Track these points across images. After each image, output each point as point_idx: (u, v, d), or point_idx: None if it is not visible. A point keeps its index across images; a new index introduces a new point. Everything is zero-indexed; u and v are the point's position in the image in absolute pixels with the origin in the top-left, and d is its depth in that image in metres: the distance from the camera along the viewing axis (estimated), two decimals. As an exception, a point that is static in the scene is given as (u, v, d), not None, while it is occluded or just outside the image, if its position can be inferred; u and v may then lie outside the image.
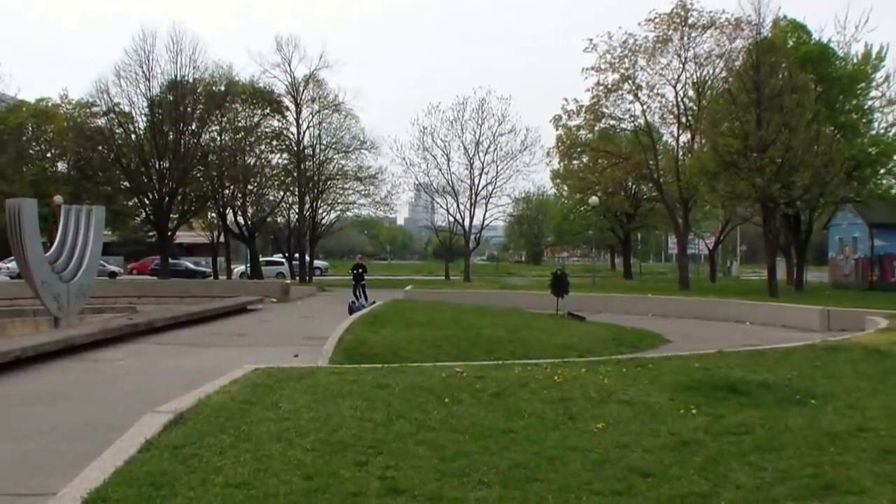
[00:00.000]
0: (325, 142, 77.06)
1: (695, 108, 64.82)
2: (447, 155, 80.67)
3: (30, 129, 72.76)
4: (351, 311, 34.69)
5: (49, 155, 74.15)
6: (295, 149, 75.52)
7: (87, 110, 69.64)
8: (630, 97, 66.99)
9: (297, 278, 73.48)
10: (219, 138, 70.89)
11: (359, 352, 21.99)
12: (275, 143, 76.14)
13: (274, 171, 76.39)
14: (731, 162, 52.68)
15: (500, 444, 10.12)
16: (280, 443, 9.98)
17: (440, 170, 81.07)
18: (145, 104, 66.19)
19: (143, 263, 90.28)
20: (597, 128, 71.67)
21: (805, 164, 50.24)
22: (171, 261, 72.16)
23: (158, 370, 19.83)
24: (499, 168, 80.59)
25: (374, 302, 36.92)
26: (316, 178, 76.69)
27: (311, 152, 76.73)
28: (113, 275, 72.71)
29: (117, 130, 67.23)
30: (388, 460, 9.29)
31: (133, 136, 67.14)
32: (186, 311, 35.32)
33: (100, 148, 66.58)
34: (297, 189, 75.83)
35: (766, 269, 57.39)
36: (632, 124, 69.51)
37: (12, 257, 42.51)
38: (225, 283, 66.30)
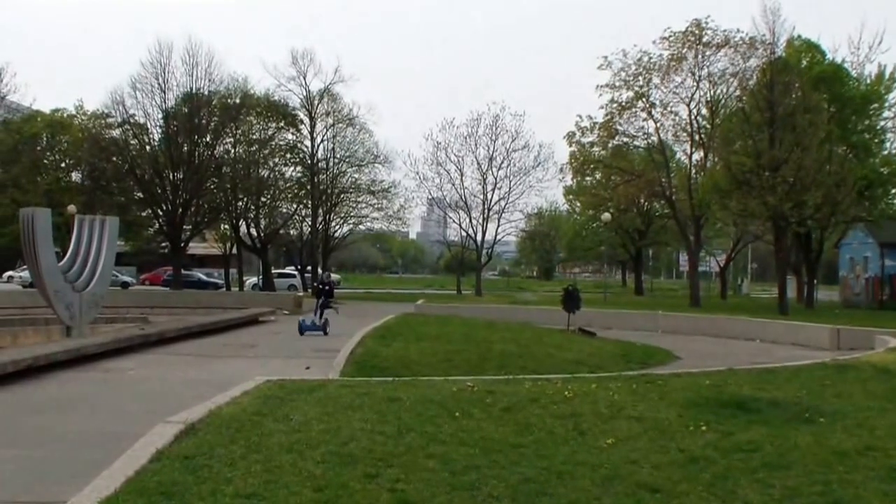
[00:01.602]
0: (338, 155, 77.12)
1: (708, 126, 64.89)
2: (460, 170, 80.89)
3: (45, 139, 73.00)
4: (301, 330, 33.03)
5: (63, 165, 74.34)
6: (309, 162, 75.52)
7: (103, 121, 69.86)
8: (644, 115, 67.21)
9: (310, 291, 73.45)
10: (233, 150, 71.01)
11: (370, 364, 22.06)
12: (289, 155, 76.15)
13: (287, 184, 76.41)
14: (744, 180, 52.73)
15: (509, 459, 10.15)
16: (290, 454, 10.02)
17: (453, 185, 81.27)
18: (160, 116, 66.31)
19: (155, 274, 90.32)
20: (610, 145, 71.74)
21: (817, 183, 50.27)
22: (183, 272, 72.18)
23: (169, 380, 19.85)
24: (512, 184, 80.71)
25: (325, 321, 33.95)
26: (329, 191, 76.76)
27: (325, 165, 76.75)
28: (125, 285, 72.73)
29: (132, 141, 67.34)
30: (399, 473, 9.32)
31: (147, 148, 67.20)
32: (198, 321, 35.34)
33: (114, 159, 66.68)
34: (310, 202, 75.80)
35: (777, 287, 57.37)
36: (645, 142, 69.69)
37: (25, 266, 42.59)
38: (237, 294, 66.41)
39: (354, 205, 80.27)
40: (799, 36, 61.83)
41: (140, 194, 68.55)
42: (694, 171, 66.31)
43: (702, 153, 65.92)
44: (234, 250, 79.93)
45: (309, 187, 75.17)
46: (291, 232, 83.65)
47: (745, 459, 10.30)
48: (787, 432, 11.83)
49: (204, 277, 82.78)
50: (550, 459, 10.15)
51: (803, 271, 66.89)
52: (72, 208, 51.88)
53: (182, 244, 67.68)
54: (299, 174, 77.32)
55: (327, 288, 37.25)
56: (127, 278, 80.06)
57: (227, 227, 77.19)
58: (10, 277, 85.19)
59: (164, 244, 76.86)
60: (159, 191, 66.10)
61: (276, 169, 75.56)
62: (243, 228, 74.92)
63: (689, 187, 64.03)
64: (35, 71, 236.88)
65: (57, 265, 30.20)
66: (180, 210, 65.05)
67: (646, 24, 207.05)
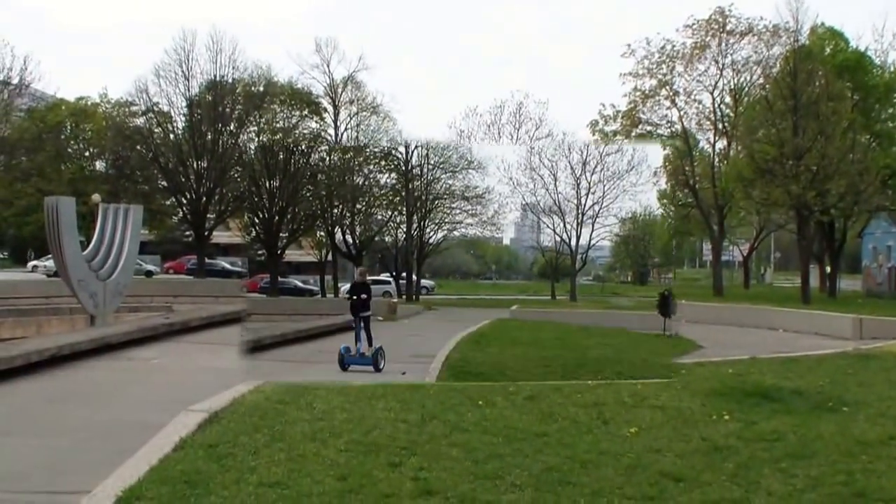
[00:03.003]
0: (432, 161, 76.82)
1: (731, 114, 64.69)
2: (554, 175, 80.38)
3: (69, 127, 73.22)
4: (343, 363, 23.06)
5: (87, 154, 74.58)
6: (403, 168, 75.43)
7: (127, 109, 69.96)
8: (667, 103, 66.99)
9: (404, 297, 73.29)
10: (328, 158, 71.23)
11: (465, 370, 21.80)
12: (383, 162, 75.93)
13: (382, 191, 76.23)
14: (767, 169, 52.60)
15: (532, 447, 10.18)
16: (314, 443, 10.07)
17: (547, 190, 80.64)
18: (184, 104, 66.43)
19: (179, 263, 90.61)
20: (633, 133, 71.43)
21: (840, 172, 50.13)
22: (207, 260, 72.35)
23: (193, 369, 19.93)
24: (605, 188, 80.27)
25: (377, 350, 23.35)
26: (424, 197, 76.34)
27: (419, 172, 76.52)
28: (149, 274, 72.83)
29: (156, 130, 67.50)
30: (422, 461, 9.37)
31: (171, 136, 67.34)
32: (222, 311, 35.41)
33: (138, 147, 66.84)
34: (404, 208, 75.64)
35: (800, 276, 57.17)
36: (668, 130, 69.38)
37: (49, 255, 42.76)
38: (332, 301, 66.27)
39: (449, 211, 79.62)
40: (822, 24, 61.70)
41: (164, 183, 68.72)
42: (717, 159, 66.13)
43: (725, 142, 65.78)
44: (330, 257, 79.96)
45: (403, 194, 75.11)
46: (386, 239, 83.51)
47: (768, 449, 10.31)
48: (810, 422, 11.84)
49: (300, 284, 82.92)
50: (573, 448, 10.17)
51: (826, 261, 66.63)
52: (96, 197, 51.91)
53: (206, 233, 67.80)
54: (394, 181, 77.29)
55: (364, 297, 24.50)
56: (151, 267, 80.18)
57: (322, 234, 77.23)
58: (35, 267, 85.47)
59: (188, 233, 77.17)
60: (183, 179, 66.26)
61: (371, 176, 75.49)
62: (339, 235, 74.86)
63: (712, 176, 63.88)
64: (58, 59, 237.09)
65: (81, 254, 30.31)
66: (204, 198, 65.15)
67: (670, 12, 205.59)
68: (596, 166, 77.89)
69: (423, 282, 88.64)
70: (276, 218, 65.87)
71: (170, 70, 65.41)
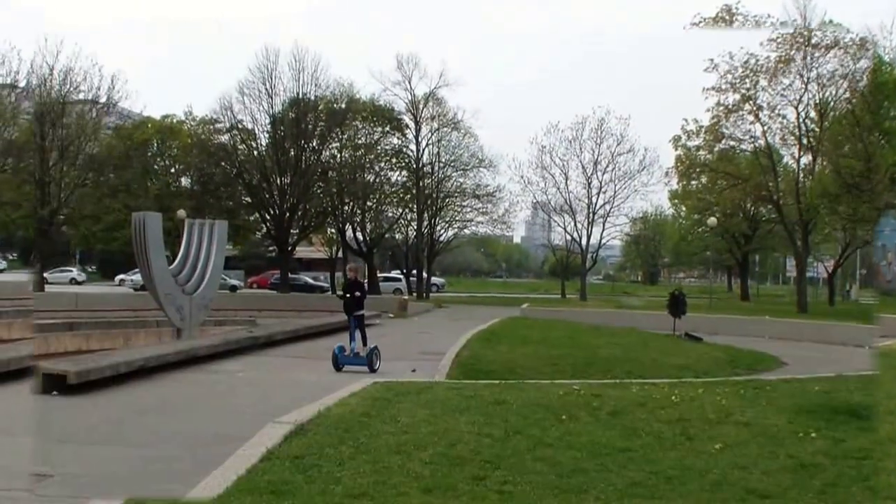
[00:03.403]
0: (443, 160, 77.34)
1: (816, 129, 63.81)
2: (565, 174, 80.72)
3: (155, 144, 74.19)
4: (336, 362, 21.96)
5: (173, 170, 75.56)
6: (414, 166, 75.90)
7: (211, 127, 70.98)
8: (750, 118, 66.06)
9: (415, 294, 73.74)
10: (339, 155, 71.63)
11: (475, 368, 22.13)
12: (394, 160, 76.59)
13: (393, 189, 76.88)
14: (854, 184, 51.91)
15: (617, 463, 10.13)
16: (399, 455, 10.12)
17: (558, 188, 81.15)
18: (267, 121, 67.26)
19: (263, 277, 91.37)
20: (716, 148, 70.73)
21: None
22: (290, 275, 72.96)
23: (278, 382, 20.03)
24: (616, 188, 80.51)
25: (372, 350, 22.24)
26: (434, 195, 77.03)
27: (430, 170, 77.05)
28: (234, 288, 73.68)
29: (240, 147, 68.35)
30: (506, 475, 9.36)
31: (255, 153, 68.13)
32: (305, 324, 35.58)
33: (222, 164, 67.74)
34: (415, 206, 76.14)
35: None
36: (752, 145, 68.59)
37: (137, 269, 43.30)
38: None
39: (459, 209, 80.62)
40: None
41: (248, 199, 69.62)
42: (802, 175, 65.30)
43: (810, 157, 64.88)
44: (341, 254, 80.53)
45: (414, 191, 75.49)
46: (397, 236, 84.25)
47: (856, 467, 10.15)
48: (899, 439, 11.64)
49: (310, 281, 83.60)
50: (658, 464, 10.12)
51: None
52: (181, 213, 52.66)
53: (289, 248, 68.38)
54: (405, 178, 77.71)
55: (358, 294, 23.25)
56: (235, 282, 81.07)
57: (333, 231, 77.86)
58: (122, 280, 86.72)
59: (271, 248, 77.76)
60: (266, 195, 66.95)
61: (382, 173, 76.17)
62: (349, 232, 75.55)
63: (796, 192, 63.06)
64: (145, 77, 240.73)
65: (167, 269, 30.59)
66: (287, 214, 65.79)
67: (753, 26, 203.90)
68: (607, 166, 78.50)
69: (434, 279, 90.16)
70: (287, 214, 66.09)
71: (253, 88, 66.42)
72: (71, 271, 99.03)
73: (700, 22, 62.99)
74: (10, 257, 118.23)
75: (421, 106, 75.51)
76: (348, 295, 23.08)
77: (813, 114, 64.04)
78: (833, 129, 59.42)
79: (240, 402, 17.13)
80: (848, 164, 52.86)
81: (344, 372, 21.09)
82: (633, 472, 9.73)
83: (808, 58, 61.57)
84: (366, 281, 76.75)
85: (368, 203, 73.99)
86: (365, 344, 22.42)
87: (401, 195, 77.15)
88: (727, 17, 61.71)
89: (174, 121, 76.23)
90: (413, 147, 76.16)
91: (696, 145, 71.12)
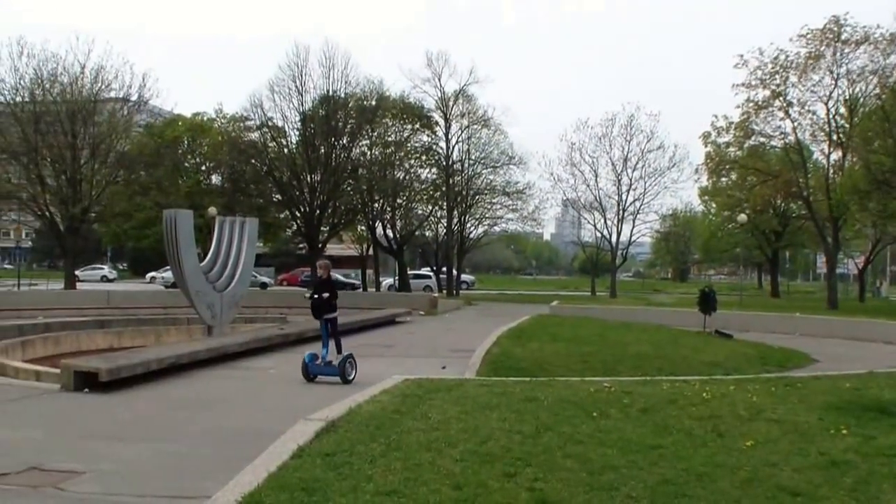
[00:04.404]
0: (473, 157, 77.28)
1: (846, 125, 63.45)
2: (595, 171, 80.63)
3: (185, 142, 74.23)
4: (307, 372, 19.73)
5: (204, 168, 75.54)
6: (444, 163, 75.79)
7: (241, 124, 70.91)
8: (780, 114, 65.82)
9: (445, 292, 73.76)
10: (369, 152, 71.63)
11: (505, 365, 22.14)
12: (424, 157, 76.48)
13: (423, 186, 76.73)
14: (884, 180, 51.60)
15: (648, 459, 10.10)
16: (430, 452, 10.14)
17: (588, 185, 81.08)
18: (298, 118, 67.09)
19: (293, 275, 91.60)
20: (746, 145, 70.53)
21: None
22: (320, 272, 72.93)
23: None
24: (646, 184, 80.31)
25: (345, 359, 19.81)
26: (464, 192, 76.93)
27: (460, 167, 77.00)
28: (264, 286, 73.78)
29: (270, 144, 68.24)
30: (537, 472, 9.36)
31: (285, 150, 67.98)
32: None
33: (253, 161, 67.64)
34: (445, 203, 76.05)
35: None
36: (782, 142, 68.32)
37: (167, 267, 43.45)
38: (374, 295, 66.83)
39: (489, 206, 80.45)
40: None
41: (278, 196, 69.49)
42: (832, 171, 64.97)
43: (840, 153, 64.57)
44: (371, 251, 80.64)
45: (444, 189, 75.44)
46: (427, 233, 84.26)
47: (887, 464, 10.10)
48: (931, 437, 11.57)
49: (341, 278, 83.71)
50: (689, 461, 10.08)
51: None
52: (212, 210, 52.67)
53: (319, 245, 68.42)
54: (434, 176, 77.60)
55: (327, 295, 20.82)
56: (265, 279, 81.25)
57: (363, 228, 77.92)
58: (153, 278, 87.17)
59: (301, 245, 77.80)
60: (297, 193, 66.87)
61: (412, 171, 76.02)
62: (379, 230, 75.58)
63: (826, 188, 62.76)
64: (176, 76, 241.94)
65: (199, 266, 30.66)
66: (318, 211, 65.80)
67: (783, 23, 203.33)
68: (637, 163, 78.36)
69: (464, 277, 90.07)
70: (318, 212, 66.03)
71: (284, 85, 66.18)
72: (102, 269, 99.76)
73: (808, 33, 62.42)
74: (120, 267, 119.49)
75: (451, 103, 75.37)
76: (317, 296, 20.71)
77: (843, 110, 63.80)
78: (863, 124, 59.08)
79: (270, 399, 17.20)
80: (878, 160, 52.50)
81: (316, 382, 19.34)
82: (664, 469, 9.71)
83: (838, 53, 61.31)
84: (364, 279, 77.35)
85: (398, 200, 73.82)
86: (340, 352, 20.13)
87: (430, 192, 76.94)
88: (835, 29, 61.40)
89: (205, 118, 76.44)
90: (443, 144, 76.05)
91: (726, 142, 70.98)
